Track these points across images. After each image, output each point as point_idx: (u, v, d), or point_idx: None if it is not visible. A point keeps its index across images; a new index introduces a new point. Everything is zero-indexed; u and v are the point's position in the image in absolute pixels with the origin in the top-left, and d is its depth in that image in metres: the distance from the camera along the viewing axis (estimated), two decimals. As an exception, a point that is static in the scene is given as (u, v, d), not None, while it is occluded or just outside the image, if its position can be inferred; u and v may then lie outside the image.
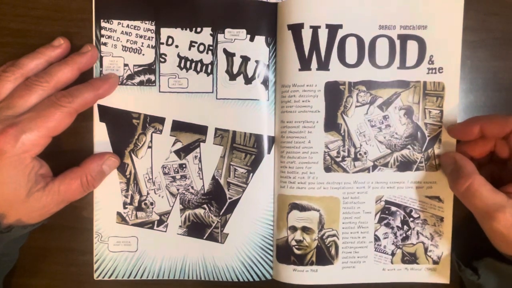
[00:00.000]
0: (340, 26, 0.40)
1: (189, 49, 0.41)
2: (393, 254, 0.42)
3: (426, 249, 0.42)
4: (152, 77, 0.42)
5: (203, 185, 0.42)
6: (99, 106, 0.41)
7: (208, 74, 0.42)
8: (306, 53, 0.40)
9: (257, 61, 0.42)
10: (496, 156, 0.39)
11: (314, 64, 0.40)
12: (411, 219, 0.42)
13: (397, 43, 0.41)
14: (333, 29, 0.40)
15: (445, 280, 0.42)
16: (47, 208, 0.37)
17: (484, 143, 0.39)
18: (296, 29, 0.40)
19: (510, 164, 0.36)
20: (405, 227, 0.42)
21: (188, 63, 0.42)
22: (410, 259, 0.42)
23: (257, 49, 0.42)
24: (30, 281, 0.43)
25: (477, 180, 0.35)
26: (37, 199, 0.36)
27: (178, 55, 0.41)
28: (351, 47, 0.40)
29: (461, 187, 0.36)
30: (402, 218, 0.42)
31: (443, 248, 0.42)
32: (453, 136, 0.41)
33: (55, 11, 0.42)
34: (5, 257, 0.40)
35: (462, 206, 0.40)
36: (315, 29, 0.40)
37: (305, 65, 0.40)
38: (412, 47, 0.41)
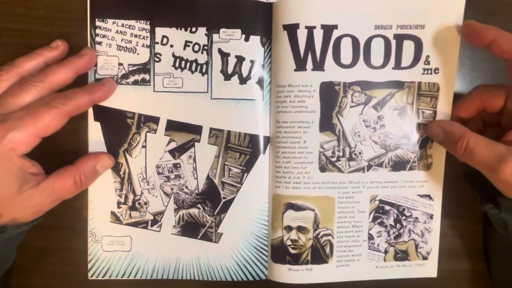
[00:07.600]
0: (335, 27, 0.40)
1: (184, 48, 0.41)
2: (386, 252, 0.43)
3: (417, 246, 0.43)
4: (146, 76, 0.41)
5: (198, 185, 0.42)
6: (94, 105, 0.41)
7: (203, 74, 0.41)
8: (302, 53, 0.40)
9: (252, 61, 0.41)
10: (488, 112, 0.39)
11: (309, 64, 0.40)
12: (404, 217, 0.42)
13: (393, 43, 0.40)
14: (328, 29, 0.40)
15: (433, 274, 0.44)
16: (40, 206, 0.37)
17: (470, 102, 0.39)
18: (292, 29, 0.40)
19: (505, 113, 0.36)
20: (398, 226, 0.43)
21: (183, 62, 0.41)
22: (402, 256, 0.43)
23: (252, 49, 0.41)
24: (29, 281, 0.43)
25: (472, 138, 0.35)
26: (30, 196, 0.36)
27: (173, 55, 0.41)
28: (346, 47, 0.40)
29: (459, 149, 0.36)
30: (395, 216, 0.42)
31: (431, 244, 0.43)
32: (465, 33, 0.38)
33: (55, 11, 0.41)
34: (1, 256, 0.40)
35: (451, 202, 0.42)
36: (310, 29, 0.40)
37: (300, 65, 0.40)
38: (408, 47, 0.40)
